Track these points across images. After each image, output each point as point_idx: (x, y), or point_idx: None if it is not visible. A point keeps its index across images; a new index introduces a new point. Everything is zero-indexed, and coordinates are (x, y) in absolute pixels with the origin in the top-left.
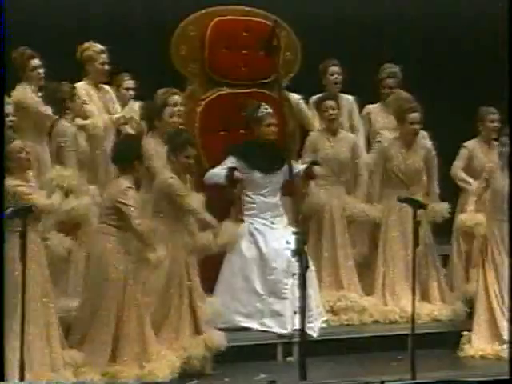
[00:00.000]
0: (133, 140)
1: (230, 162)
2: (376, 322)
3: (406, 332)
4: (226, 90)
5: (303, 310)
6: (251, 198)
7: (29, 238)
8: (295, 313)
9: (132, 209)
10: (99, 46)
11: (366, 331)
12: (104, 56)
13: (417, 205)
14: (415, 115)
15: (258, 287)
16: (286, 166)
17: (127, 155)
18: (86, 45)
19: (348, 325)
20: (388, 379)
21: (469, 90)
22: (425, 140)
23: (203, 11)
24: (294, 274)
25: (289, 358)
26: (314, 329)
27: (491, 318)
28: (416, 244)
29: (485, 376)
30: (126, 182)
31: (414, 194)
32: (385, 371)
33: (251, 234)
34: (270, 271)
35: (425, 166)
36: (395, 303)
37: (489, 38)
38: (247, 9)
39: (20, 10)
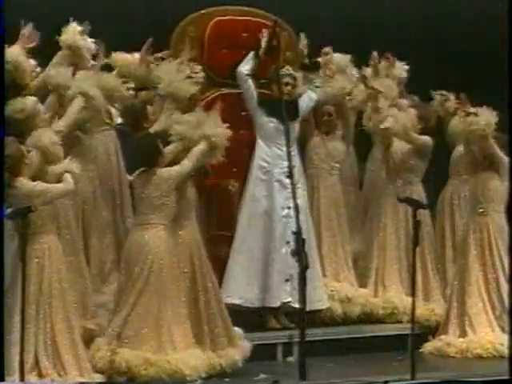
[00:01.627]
0: (148, 137)
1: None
2: (365, 314)
3: (406, 332)
4: (226, 91)
5: (303, 310)
6: (268, 147)
7: (44, 238)
8: (286, 280)
9: (183, 166)
10: None
11: (366, 331)
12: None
13: (416, 205)
14: None
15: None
16: (299, 118)
17: (151, 153)
18: None
19: (331, 315)
20: (388, 379)
21: (469, 90)
22: None
23: (202, 11)
24: (287, 242)
25: (289, 358)
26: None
27: (446, 318)
28: (416, 244)
29: (485, 376)
30: (166, 169)
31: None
32: (385, 371)
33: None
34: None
35: None
36: (382, 295)
37: (489, 38)
38: (246, 9)
39: (20, 9)
